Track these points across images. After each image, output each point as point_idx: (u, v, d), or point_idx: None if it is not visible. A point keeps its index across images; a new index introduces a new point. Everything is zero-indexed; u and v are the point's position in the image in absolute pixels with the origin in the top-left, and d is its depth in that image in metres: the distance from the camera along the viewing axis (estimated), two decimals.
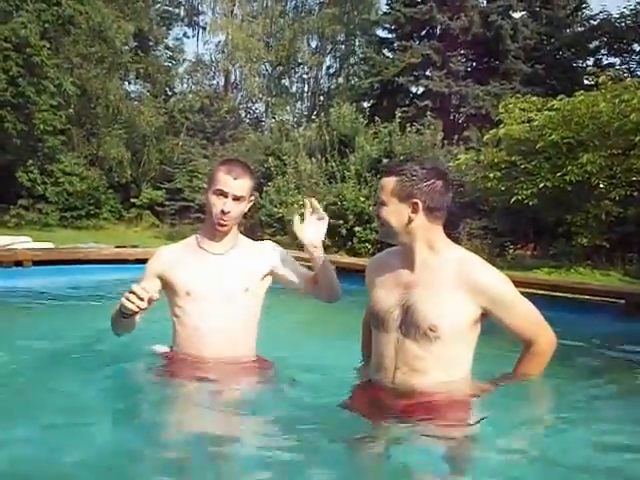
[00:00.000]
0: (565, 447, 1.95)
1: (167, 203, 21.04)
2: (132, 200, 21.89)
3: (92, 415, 2.03)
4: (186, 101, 27.39)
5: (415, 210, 2.13)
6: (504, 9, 19.08)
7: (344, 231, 11.87)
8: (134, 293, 2.16)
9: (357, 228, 11.88)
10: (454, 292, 2.11)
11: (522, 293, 2.18)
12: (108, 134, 21.28)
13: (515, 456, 1.84)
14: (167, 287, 2.53)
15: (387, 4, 21.19)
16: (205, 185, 2.56)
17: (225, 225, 2.50)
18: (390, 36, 21.33)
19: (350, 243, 11.88)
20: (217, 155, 20.55)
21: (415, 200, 2.12)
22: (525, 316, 2.17)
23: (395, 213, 2.14)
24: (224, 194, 2.47)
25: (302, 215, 2.52)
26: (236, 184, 2.47)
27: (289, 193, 13.15)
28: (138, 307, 2.16)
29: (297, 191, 13.09)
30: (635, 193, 9.40)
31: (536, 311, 2.18)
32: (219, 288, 2.50)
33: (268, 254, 2.64)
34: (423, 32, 20.38)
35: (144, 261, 2.63)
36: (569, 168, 9.52)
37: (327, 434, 2.07)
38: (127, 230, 20.06)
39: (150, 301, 2.17)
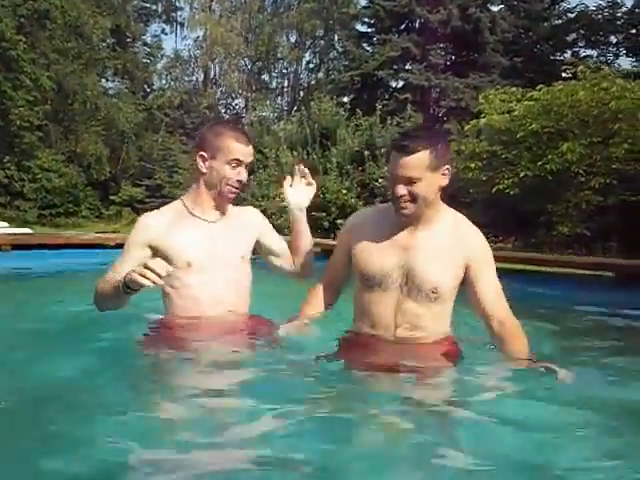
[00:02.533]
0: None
1: (147, 200, 20.86)
2: (111, 197, 21.71)
3: (89, 389, 1.96)
4: (165, 97, 27.22)
5: (446, 175, 2.14)
6: (482, 2, 19.19)
7: (326, 223, 11.83)
8: (150, 268, 2.05)
9: (339, 220, 11.84)
10: (450, 252, 2.18)
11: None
12: (86, 131, 21.08)
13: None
14: (159, 257, 2.33)
15: None
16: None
17: (237, 194, 2.45)
18: (369, 30, 21.34)
19: (333, 235, 11.85)
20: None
21: (447, 166, 2.13)
22: (496, 283, 2.21)
23: (431, 185, 2.12)
24: (239, 163, 2.40)
25: (292, 178, 2.56)
26: (248, 151, 2.42)
27: (271, 186, 13.08)
28: (154, 282, 2.05)
29: (278, 184, 13.02)
30: (615, 181, 9.45)
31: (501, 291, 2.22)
32: (218, 257, 2.42)
33: (256, 220, 2.61)
34: (402, 26, 20.40)
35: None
36: (549, 157, 9.55)
37: (324, 388, 2.06)
38: (106, 227, 19.86)
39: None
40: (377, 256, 2.25)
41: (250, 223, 2.58)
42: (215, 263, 2.41)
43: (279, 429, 1.64)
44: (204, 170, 2.40)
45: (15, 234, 6.40)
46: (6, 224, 8.24)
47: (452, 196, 9.70)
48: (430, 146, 2.09)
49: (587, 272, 4.40)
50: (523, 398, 2.01)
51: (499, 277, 2.23)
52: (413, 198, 2.14)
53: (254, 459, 1.52)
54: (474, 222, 2.43)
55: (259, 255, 2.65)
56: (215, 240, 2.43)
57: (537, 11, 21.16)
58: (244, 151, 2.40)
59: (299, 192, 2.54)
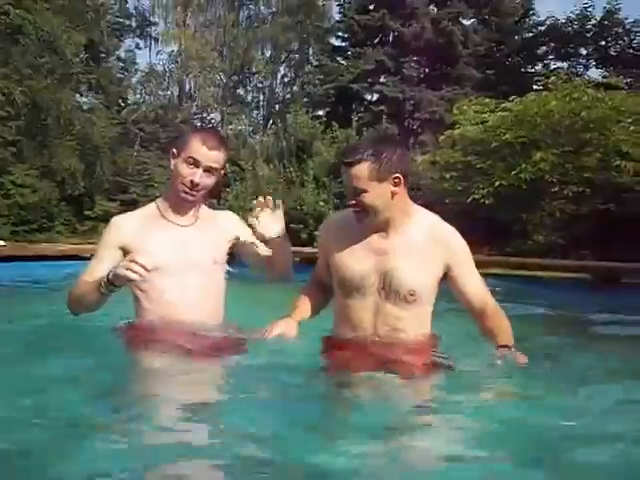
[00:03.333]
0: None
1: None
2: (86, 212, 21.45)
3: (62, 392, 1.93)
4: (140, 112, 27.08)
5: (398, 184, 2.17)
6: (454, 15, 19.45)
7: (305, 236, 11.84)
8: (136, 262, 2.06)
9: (317, 232, 11.85)
10: (427, 254, 2.21)
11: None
12: (60, 145, 20.80)
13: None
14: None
15: (340, 12, 21.42)
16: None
17: (192, 197, 2.40)
18: (344, 44, 21.53)
19: (311, 247, 11.86)
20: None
21: (397, 175, 2.16)
22: (477, 277, 2.28)
23: (379, 195, 2.15)
24: (196, 163, 2.36)
25: (257, 217, 2.40)
26: (210, 155, 2.36)
27: (247, 199, 13.06)
28: (141, 276, 2.07)
29: (255, 197, 13.00)
30: (587, 190, 9.61)
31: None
32: (189, 261, 2.39)
33: (230, 224, 2.57)
34: (376, 39, 20.59)
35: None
36: (523, 167, 9.69)
37: (308, 394, 2.08)
38: (82, 243, 19.64)
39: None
40: (353, 261, 2.26)
41: (224, 227, 2.54)
42: (185, 267, 2.38)
43: (258, 433, 1.64)
44: (171, 167, 2.42)
45: None
46: None
47: (426, 206, 9.80)
48: (372, 157, 2.14)
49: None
50: (510, 397, 2.04)
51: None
52: (364, 208, 2.18)
53: (234, 464, 1.50)
54: None
55: (234, 265, 2.62)
56: (186, 244, 2.41)
57: (508, 25, 21.51)
58: (204, 152, 2.35)
59: (268, 222, 2.39)
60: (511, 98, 10.70)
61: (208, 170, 2.37)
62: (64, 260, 5.72)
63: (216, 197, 13.67)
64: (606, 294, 4.37)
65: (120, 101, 27.78)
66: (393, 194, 2.17)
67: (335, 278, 2.32)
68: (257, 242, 2.56)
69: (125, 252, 2.35)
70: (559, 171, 9.71)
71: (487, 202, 9.98)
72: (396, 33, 19.76)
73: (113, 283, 2.15)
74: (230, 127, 27.16)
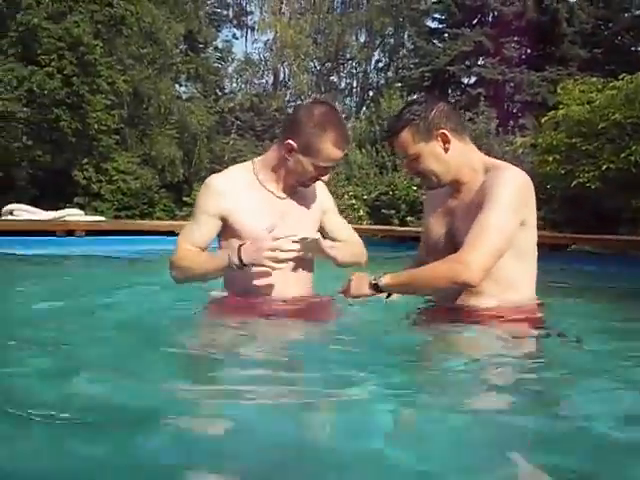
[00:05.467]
0: None
1: None
2: (184, 199, 22.13)
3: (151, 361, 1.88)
4: (236, 100, 27.63)
5: (445, 139, 2.07)
6: None
7: (396, 221, 11.63)
8: (281, 249, 2.07)
9: (409, 218, 11.62)
10: (478, 207, 2.03)
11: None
12: (160, 134, 21.58)
13: None
14: (228, 229, 2.27)
15: None
16: None
17: (310, 186, 2.34)
18: (440, 26, 20.97)
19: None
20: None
21: (440, 130, 2.07)
22: (479, 229, 1.97)
23: (431, 155, 2.09)
24: (329, 169, 2.27)
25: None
26: (342, 155, 2.27)
27: (339, 184, 12.99)
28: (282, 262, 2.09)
29: (347, 182, 12.94)
30: None
31: (489, 239, 1.96)
32: (286, 235, 2.22)
33: (322, 197, 2.44)
34: (475, 20, 19.92)
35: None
36: (634, 148, 9.03)
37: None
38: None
39: None
40: (432, 224, 2.25)
41: (317, 200, 2.42)
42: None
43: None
44: (288, 158, 2.23)
45: (90, 221, 6.72)
46: (81, 211, 8.58)
47: None
48: (409, 120, 2.08)
49: None
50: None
51: None
52: (423, 173, 2.13)
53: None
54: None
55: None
56: (284, 217, 2.28)
57: (617, 1, 20.24)
58: (338, 158, 2.26)
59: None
60: (621, 76, 9.99)
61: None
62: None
63: None
64: None
65: (217, 90, 28.47)
66: (445, 150, 2.08)
67: (426, 244, 2.31)
68: (340, 220, 2.51)
69: (224, 221, 2.27)
70: None
71: (593, 187, 9.39)
72: (496, 12, 19.02)
73: (245, 264, 2.11)
74: None
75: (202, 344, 2.12)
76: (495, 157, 8.54)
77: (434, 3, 21.24)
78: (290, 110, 29.06)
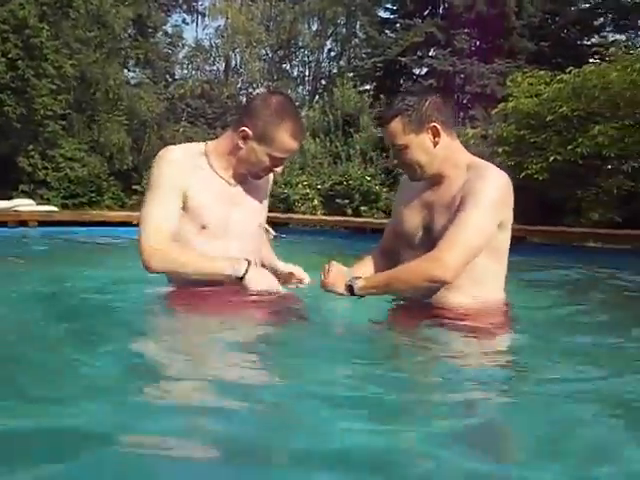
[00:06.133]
0: None
1: None
2: (134, 187, 21.71)
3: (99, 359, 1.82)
4: (186, 87, 27.19)
5: (436, 132, 2.09)
6: None
7: (350, 211, 11.70)
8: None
9: (363, 208, 11.70)
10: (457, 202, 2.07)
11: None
12: (108, 120, 21.07)
13: None
14: (183, 208, 2.17)
15: None
16: None
17: (262, 178, 2.32)
18: (392, 16, 21.04)
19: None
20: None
21: (432, 124, 2.08)
22: (457, 227, 2.00)
23: (420, 147, 2.09)
24: (284, 160, 2.25)
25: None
26: (298, 147, 2.27)
27: (293, 173, 12.97)
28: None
29: (301, 171, 12.91)
30: None
31: (466, 237, 2.00)
32: (234, 224, 2.23)
33: (270, 184, 2.46)
34: (426, 11, 20.06)
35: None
36: (580, 141, 9.30)
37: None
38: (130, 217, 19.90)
39: None
40: (406, 215, 2.23)
41: (266, 188, 2.42)
42: (230, 230, 2.22)
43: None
44: (241, 146, 2.17)
45: (41, 211, 6.53)
46: (32, 201, 8.35)
47: None
48: (403, 110, 2.08)
49: None
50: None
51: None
52: (408, 164, 2.13)
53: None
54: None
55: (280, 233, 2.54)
56: (234, 205, 2.24)
57: None
58: (293, 149, 2.24)
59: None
60: (568, 70, 10.25)
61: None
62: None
63: None
64: None
65: (167, 76, 27.95)
66: (435, 144, 2.09)
67: (396, 234, 2.30)
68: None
69: (184, 198, 2.15)
70: (618, 146, 9.30)
71: (541, 178, 9.63)
72: (446, 4, 19.22)
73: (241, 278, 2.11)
74: None
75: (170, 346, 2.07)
76: None
77: None
78: (242, 98, 28.78)
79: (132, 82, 24.90)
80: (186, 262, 2.15)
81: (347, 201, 11.66)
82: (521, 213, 9.05)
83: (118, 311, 2.30)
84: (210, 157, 2.24)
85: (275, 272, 2.35)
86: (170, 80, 27.80)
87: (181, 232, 2.17)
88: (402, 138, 2.09)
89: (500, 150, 10.29)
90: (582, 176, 9.83)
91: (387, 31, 20.92)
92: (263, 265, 2.39)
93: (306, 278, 2.40)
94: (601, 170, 9.64)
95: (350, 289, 2.11)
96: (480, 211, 2.00)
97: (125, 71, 24.56)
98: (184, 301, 2.26)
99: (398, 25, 20.15)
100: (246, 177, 2.29)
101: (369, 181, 11.81)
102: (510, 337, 2.14)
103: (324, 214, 11.51)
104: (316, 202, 11.41)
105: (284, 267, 2.43)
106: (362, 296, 2.14)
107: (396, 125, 2.10)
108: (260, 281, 2.11)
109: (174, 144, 2.29)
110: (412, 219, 2.21)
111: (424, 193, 2.20)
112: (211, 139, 2.40)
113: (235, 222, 2.24)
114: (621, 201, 9.82)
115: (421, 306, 2.17)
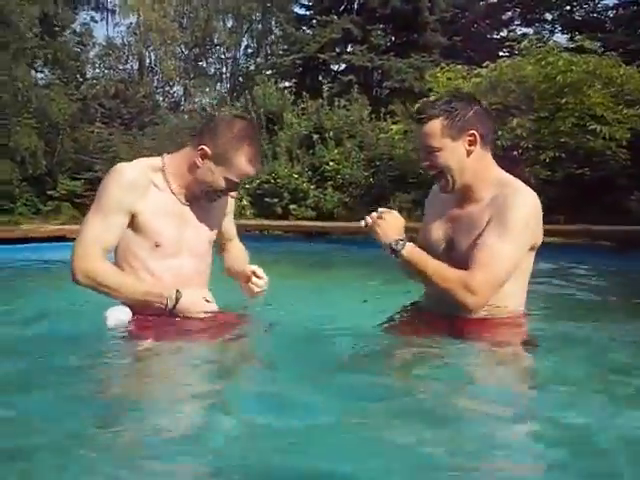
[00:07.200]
0: None
1: (87, 193, 20.09)
2: (49, 192, 20.85)
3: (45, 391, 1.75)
4: (99, 87, 26.32)
5: (473, 142, 2.09)
6: None
7: (279, 209, 11.67)
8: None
9: (292, 206, 11.69)
10: (487, 220, 2.06)
11: None
12: (18, 124, 20.13)
13: None
14: (131, 228, 2.15)
15: None
16: None
17: (217, 200, 2.30)
18: (308, 12, 21.07)
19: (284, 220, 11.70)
20: (137, 140, 19.89)
21: (471, 132, 2.08)
22: (491, 254, 2.01)
23: (452, 153, 2.08)
24: (239, 184, 2.26)
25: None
26: (255, 172, 2.26)
27: None
28: None
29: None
30: (563, 154, 9.63)
31: (502, 270, 1.99)
32: (186, 242, 2.23)
33: (226, 201, 2.44)
34: (341, 7, 20.19)
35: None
36: (500, 133, 9.63)
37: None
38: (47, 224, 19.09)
39: None
40: (432, 227, 2.26)
41: (222, 205, 2.41)
42: (182, 249, 2.22)
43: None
44: (199, 164, 2.17)
45: None
46: None
47: (401, 178, 9.74)
48: (444, 113, 2.07)
49: None
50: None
51: None
52: (438, 169, 2.11)
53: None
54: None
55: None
56: (187, 223, 2.24)
57: None
58: (250, 174, 2.24)
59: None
60: (485, 64, 10.60)
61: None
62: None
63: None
64: None
65: (78, 76, 26.95)
66: (468, 153, 2.08)
67: (424, 243, 2.30)
68: (232, 220, 2.54)
69: (132, 218, 2.14)
70: (535, 137, 9.70)
71: None
72: (361, 0, 19.40)
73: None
74: (193, 100, 26.65)
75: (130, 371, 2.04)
76: (369, 143, 8.76)
77: None
78: (159, 97, 28.14)
79: (41, 83, 23.89)
80: (118, 288, 2.13)
81: (276, 200, 11.61)
82: None
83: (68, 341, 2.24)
84: (166, 173, 2.23)
85: (242, 273, 2.35)
86: (81, 80, 26.83)
87: (135, 250, 2.17)
88: (438, 140, 2.07)
89: None
90: (502, 167, 10.18)
91: (304, 27, 20.95)
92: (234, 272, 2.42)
93: (263, 278, 2.38)
94: (520, 160, 10.02)
95: (393, 249, 2.05)
96: (513, 239, 1.99)
97: (33, 72, 23.53)
98: (137, 329, 2.22)
99: (314, 22, 20.20)
100: (200, 199, 2.28)
101: (297, 179, 11.81)
102: (523, 353, 2.15)
103: (254, 214, 11.43)
104: (245, 202, 11.31)
105: (248, 268, 2.42)
106: (397, 257, 2.08)
107: (435, 126, 2.08)
108: (191, 307, 2.13)
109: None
110: (436, 231, 2.22)
111: (450, 206, 2.20)
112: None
113: (188, 240, 2.25)
114: (539, 190, 10.23)
115: (437, 316, 2.19)
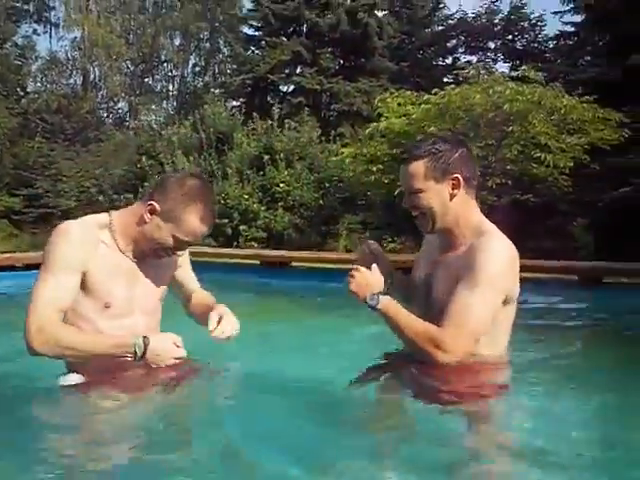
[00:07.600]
0: None
1: (25, 210, 19.48)
2: None
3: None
4: (41, 101, 25.66)
5: (456, 185, 2.04)
6: (369, 7, 19.47)
7: (229, 230, 11.56)
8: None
9: (242, 227, 11.62)
10: (461, 270, 2.04)
11: None
12: None
13: None
14: (80, 288, 2.06)
15: (253, 1, 20.93)
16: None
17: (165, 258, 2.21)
18: (257, 33, 21.14)
19: (236, 243, 11.59)
20: (80, 157, 19.45)
21: (455, 175, 2.03)
22: (463, 308, 1.96)
23: (436, 196, 2.04)
24: (189, 244, 2.16)
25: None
26: (206, 232, 2.16)
27: None
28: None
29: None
30: (509, 181, 9.89)
31: (473, 324, 1.95)
32: (136, 301, 2.15)
33: (178, 256, 2.33)
34: (290, 29, 20.34)
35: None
36: None
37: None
38: None
39: None
40: (416, 270, 2.25)
41: (173, 259, 2.30)
42: (133, 308, 2.15)
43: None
44: (147, 220, 2.09)
45: None
46: None
47: (350, 199, 9.76)
48: (429, 154, 2.03)
49: None
50: None
51: None
52: (421, 210, 2.07)
53: None
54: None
55: None
56: (136, 281, 2.16)
57: (419, 17, 21.89)
58: (199, 234, 2.13)
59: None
60: (433, 91, 10.80)
61: None
62: None
63: (133, 192, 13.12)
64: None
65: (19, 90, 26.23)
66: (451, 197, 2.04)
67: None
68: (191, 272, 2.45)
69: (83, 276, 2.04)
70: (482, 163, 9.92)
71: None
72: (311, 23, 19.60)
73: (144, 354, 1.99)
74: (139, 118, 26.27)
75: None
76: (319, 165, 8.76)
77: (250, 11, 21.37)
78: (102, 112, 27.64)
79: None
80: (83, 342, 2.02)
81: (226, 220, 11.50)
82: (391, 226, 9.43)
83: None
84: (113, 230, 2.14)
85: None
86: (22, 94, 26.11)
87: (84, 312, 2.07)
88: (421, 182, 2.03)
89: (374, 168, 10.64)
90: None
91: (253, 48, 21.01)
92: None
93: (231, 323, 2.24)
94: None
95: (370, 301, 2.01)
96: (485, 291, 1.94)
97: None
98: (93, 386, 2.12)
99: (264, 42, 20.28)
100: (148, 257, 2.19)
101: (247, 200, 11.74)
102: (499, 401, 2.11)
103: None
104: None
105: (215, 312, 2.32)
106: (375, 311, 2.03)
107: (418, 167, 2.03)
108: (158, 357, 2.02)
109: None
110: (420, 273, 2.21)
111: (436, 249, 2.17)
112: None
113: (138, 298, 2.17)
114: (486, 215, 10.47)
115: (409, 360, 2.12)
